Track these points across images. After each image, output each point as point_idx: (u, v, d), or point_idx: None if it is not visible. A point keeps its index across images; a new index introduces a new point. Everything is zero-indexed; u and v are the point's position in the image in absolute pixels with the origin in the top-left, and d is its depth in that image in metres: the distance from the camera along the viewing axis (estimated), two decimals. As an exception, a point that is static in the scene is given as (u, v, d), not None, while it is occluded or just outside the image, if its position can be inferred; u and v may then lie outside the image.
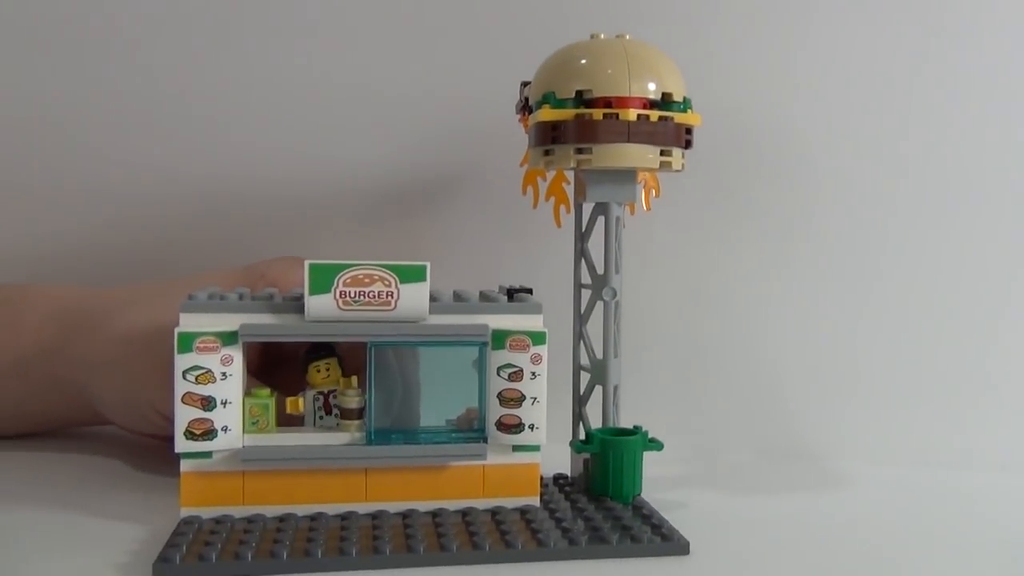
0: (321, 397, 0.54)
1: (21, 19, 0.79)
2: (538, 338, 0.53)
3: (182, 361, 0.50)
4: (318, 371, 0.55)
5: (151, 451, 0.66)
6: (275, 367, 0.63)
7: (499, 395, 0.53)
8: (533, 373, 0.53)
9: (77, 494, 0.58)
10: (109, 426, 0.69)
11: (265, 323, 0.51)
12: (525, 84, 0.61)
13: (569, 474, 0.61)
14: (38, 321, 0.66)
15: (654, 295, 0.72)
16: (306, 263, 0.50)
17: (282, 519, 0.51)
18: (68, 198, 0.79)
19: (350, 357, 0.55)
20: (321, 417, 0.54)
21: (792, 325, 0.73)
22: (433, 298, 0.53)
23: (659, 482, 0.60)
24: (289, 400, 0.53)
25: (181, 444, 0.50)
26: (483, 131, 0.74)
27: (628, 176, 0.58)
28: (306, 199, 0.78)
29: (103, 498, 0.57)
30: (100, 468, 0.64)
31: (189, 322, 0.51)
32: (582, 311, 0.62)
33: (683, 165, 0.58)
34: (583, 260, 0.61)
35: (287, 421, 0.54)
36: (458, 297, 0.54)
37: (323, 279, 0.50)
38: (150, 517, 0.53)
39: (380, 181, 0.77)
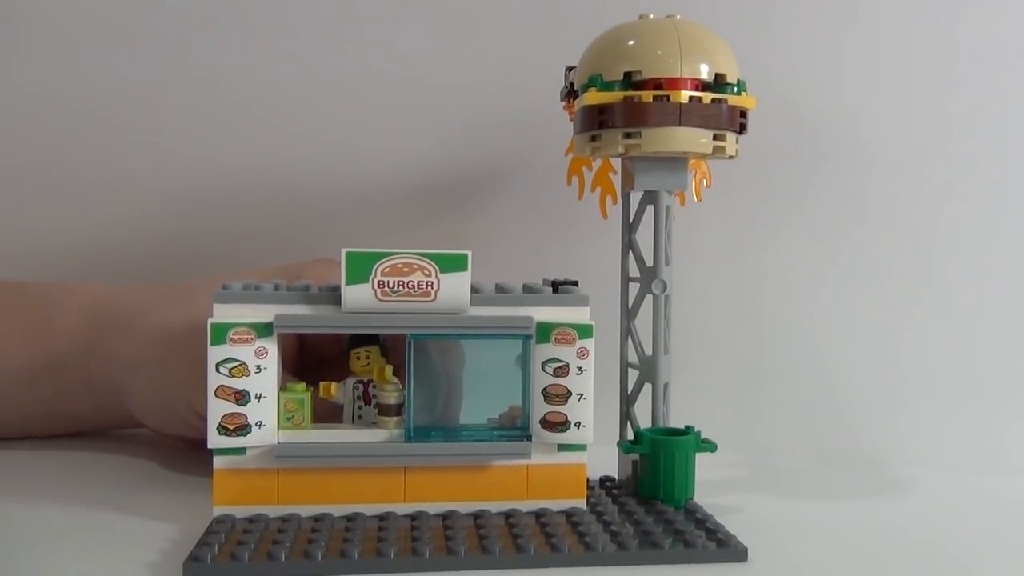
0: (361, 386, 0.52)
1: (54, 16, 0.78)
2: (585, 331, 0.51)
3: (215, 353, 0.48)
4: (358, 358, 0.52)
5: (183, 453, 0.64)
6: (314, 370, 0.61)
7: (544, 391, 0.51)
8: (580, 368, 0.51)
9: (109, 493, 0.56)
10: (141, 429, 0.67)
11: (300, 314, 0.49)
12: (570, 69, 0.58)
13: (616, 476, 0.58)
14: (72, 320, 0.65)
15: (704, 290, 0.69)
16: (343, 251, 0.48)
17: (317, 519, 0.49)
18: (100, 194, 0.78)
19: (395, 351, 0.53)
20: (360, 407, 0.52)
21: (850, 322, 0.70)
22: (475, 289, 0.50)
23: (711, 486, 0.57)
24: (322, 385, 0.51)
25: (214, 439, 0.48)
26: (527, 121, 0.72)
27: (679, 163, 0.55)
28: (345, 193, 0.76)
29: (135, 497, 0.55)
30: (132, 468, 0.62)
31: (223, 313, 0.49)
32: (630, 305, 0.59)
33: (737, 151, 0.55)
34: (631, 252, 0.58)
35: (324, 417, 0.52)
36: (500, 289, 0.52)
37: (360, 268, 0.48)
38: (182, 516, 0.51)
39: (420, 174, 0.75)
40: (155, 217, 0.78)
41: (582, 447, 0.52)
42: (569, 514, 0.51)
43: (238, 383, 0.48)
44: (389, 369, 0.52)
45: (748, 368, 0.71)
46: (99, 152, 0.79)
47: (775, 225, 0.71)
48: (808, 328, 0.70)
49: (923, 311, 0.69)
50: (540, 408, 0.51)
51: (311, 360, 0.61)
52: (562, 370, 0.51)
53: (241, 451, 0.49)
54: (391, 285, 0.49)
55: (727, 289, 0.71)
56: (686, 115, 0.52)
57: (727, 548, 0.46)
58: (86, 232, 0.78)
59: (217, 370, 0.48)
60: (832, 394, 0.69)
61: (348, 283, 0.48)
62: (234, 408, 0.48)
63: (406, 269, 0.49)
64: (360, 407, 0.53)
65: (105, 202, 0.78)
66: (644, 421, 0.57)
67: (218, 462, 0.49)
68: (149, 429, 0.65)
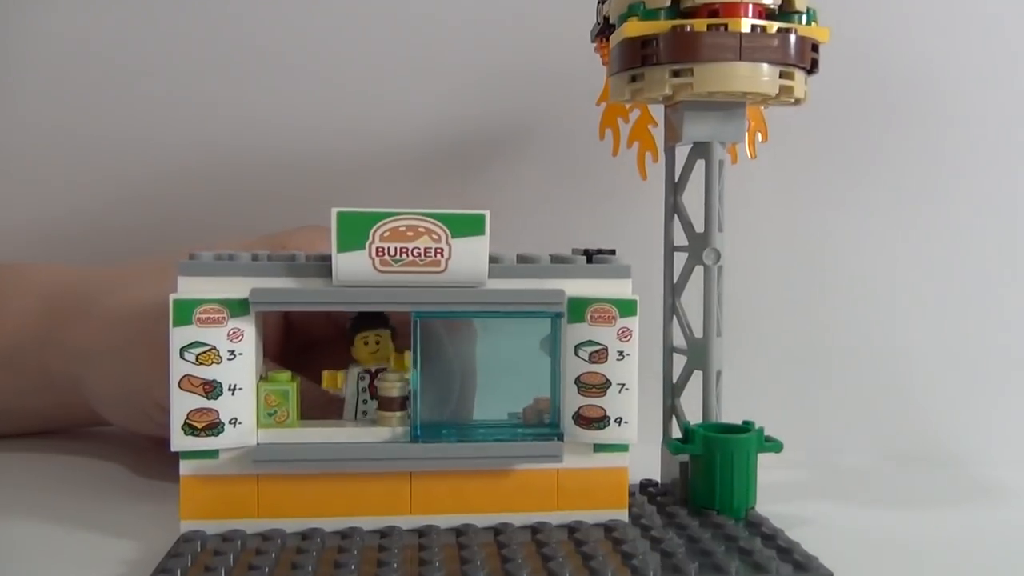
0: (368, 376, 0.45)
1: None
2: (626, 308, 0.42)
3: (179, 336, 0.40)
4: (365, 343, 0.45)
5: (154, 454, 0.56)
6: (301, 355, 0.52)
7: (577, 380, 0.42)
8: (620, 352, 0.42)
9: (64, 503, 0.49)
10: (110, 426, 0.59)
11: (282, 288, 0.41)
12: (602, 1, 0.50)
13: (659, 480, 0.50)
14: (23, 305, 0.57)
15: (756, 263, 0.60)
16: (333, 211, 0.40)
17: (305, 536, 0.41)
18: (59, 161, 0.69)
19: (400, 333, 0.45)
20: (365, 401, 0.45)
21: (926, 301, 0.61)
22: (493, 259, 0.42)
23: (770, 490, 0.48)
24: (326, 375, 0.44)
25: (179, 440, 0.40)
26: (551, 68, 0.63)
27: (736, 108, 0.47)
28: (340, 155, 0.67)
29: (94, 508, 0.48)
30: (94, 473, 0.55)
31: (189, 287, 0.41)
32: (675, 280, 0.50)
33: (805, 93, 0.46)
34: (676, 217, 0.50)
35: (316, 412, 0.44)
36: (524, 258, 0.43)
37: (355, 232, 0.40)
38: (147, 531, 0.43)
39: (428, 131, 0.66)
40: (122, 185, 0.69)
41: (623, 447, 0.43)
42: (609, 528, 0.42)
43: (207, 372, 0.40)
44: (407, 356, 0.43)
45: (806, 353, 0.62)
46: (58, 113, 0.70)
47: (839, 188, 0.62)
48: (877, 307, 0.61)
49: (1010, 290, 0.61)
50: (573, 401, 0.43)
51: (298, 343, 0.53)
52: (599, 355, 0.42)
53: (212, 454, 0.41)
54: (392, 252, 0.40)
55: (782, 262, 0.62)
56: (747, 47, 0.44)
57: (807, 572, 0.38)
58: (43, 205, 0.69)
59: (182, 356, 0.40)
60: (904, 384, 0.61)
61: (340, 250, 0.40)
62: (203, 402, 0.40)
63: (410, 233, 0.40)
64: (365, 401, 0.45)
65: (64, 170, 0.69)
66: (691, 415, 0.49)
67: (185, 468, 0.41)
68: (116, 426, 0.57)
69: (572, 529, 0.42)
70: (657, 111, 0.51)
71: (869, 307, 0.61)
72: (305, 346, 0.54)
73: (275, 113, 0.67)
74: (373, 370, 0.45)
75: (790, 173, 0.61)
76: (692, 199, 0.49)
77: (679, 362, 0.50)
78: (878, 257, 0.61)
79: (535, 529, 0.42)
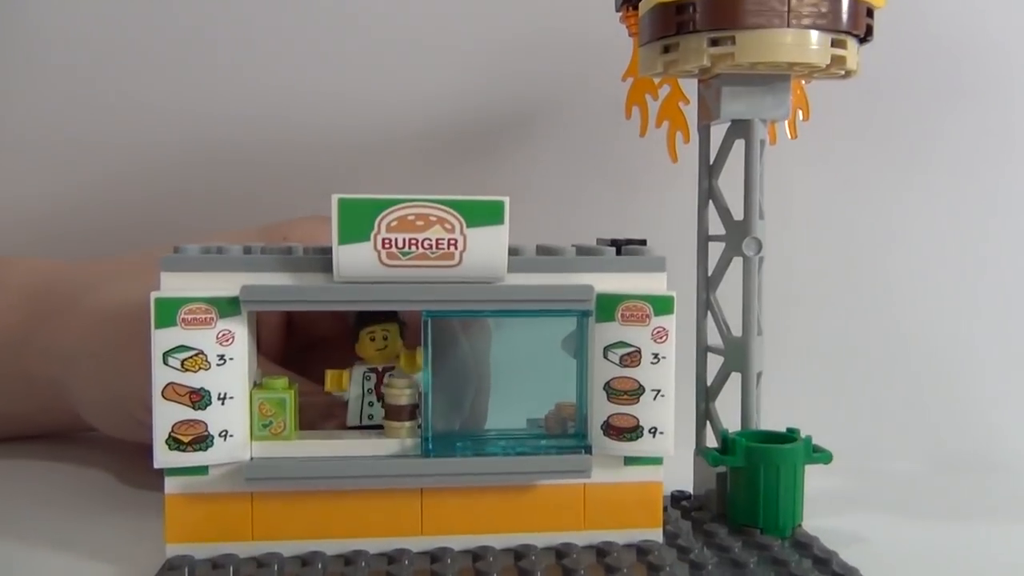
0: (374, 376, 0.41)
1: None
2: (662, 305, 0.38)
3: (163, 339, 0.36)
4: (372, 339, 0.40)
5: (143, 460, 0.51)
6: (306, 352, 0.48)
7: (607, 386, 0.38)
8: (655, 355, 0.38)
9: (42, 515, 0.45)
10: (96, 432, 0.55)
11: (277, 285, 0.36)
12: (630, -35, 0.45)
13: (692, 491, 0.45)
14: (6, 303, 0.53)
15: (795, 254, 0.56)
16: (334, 198, 0.35)
17: (305, 561, 0.37)
18: (40, 151, 0.65)
19: (411, 333, 0.40)
20: (372, 404, 0.41)
21: (983, 295, 0.56)
22: (513, 251, 0.38)
23: (815, 503, 0.44)
24: (330, 375, 0.40)
25: (163, 456, 0.36)
26: (571, 40, 0.58)
27: (779, 82, 0.42)
28: (346, 139, 0.62)
29: (76, 524, 0.44)
30: (77, 482, 0.50)
31: (173, 284, 0.36)
32: (709, 273, 0.46)
33: (858, 64, 0.42)
34: (711, 203, 0.45)
35: (321, 416, 0.41)
36: (547, 250, 0.39)
37: (359, 221, 0.36)
38: (131, 551, 0.39)
39: (440, 112, 0.62)
40: (110, 175, 0.65)
41: (657, 461, 0.39)
42: (643, 550, 0.38)
43: (194, 379, 0.36)
44: (419, 354, 0.39)
45: (848, 351, 0.58)
46: (39, 101, 0.65)
47: (888, 173, 0.58)
48: (927, 302, 0.57)
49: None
50: (602, 409, 0.38)
51: (300, 342, 0.49)
52: (632, 358, 0.38)
53: (201, 470, 0.37)
54: (400, 244, 0.36)
55: (824, 252, 0.58)
56: (795, 12, 0.39)
57: (870, 605, 0.33)
58: (25, 196, 0.65)
59: (165, 362, 0.36)
60: (957, 384, 0.56)
61: (342, 242, 0.36)
62: (189, 413, 0.36)
63: (421, 223, 0.36)
64: (372, 403, 0.41)
65: (47, 159, 0.65)
66: (727, 421, 0.45)
67: (171, 486, 0.37)
68: (101, 432, 0.53)
69: (601, 551, 0.38)
70: (689, 87, 0.47)
71: (919, 302, 0.57)
72: (308, 345, 0.49)
73: (274, 95, 0.63)
74: (380, 369, 0.41)
75: (834, 156, 0.56)
76: (727, 184, 0.45)
77: (713, 363, 0.46)
78: (930, 248, 0.57)
79: (560, 552, 0.38)
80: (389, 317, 0.40)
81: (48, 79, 0.65)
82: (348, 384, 0.40)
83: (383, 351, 0.40)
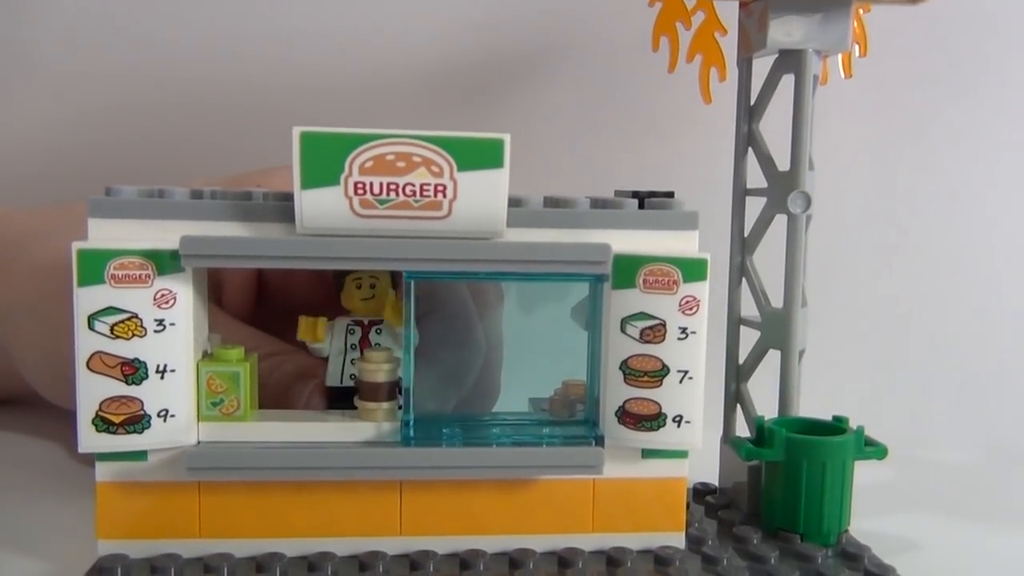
0: (358, 330, 0.36)
1: None
2: (693, 270, 0.31)
3: (88, 299, 0.30)
4: (358, 287, 0.35)
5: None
6: (285, 322, 0.42)
7: (624, 365, 0.32)
8: (683, 329, 0.31)
9: None
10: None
11: (227, 236, 0.30)
12: None
13: (717, 484, 0.40)
14: None
15: (839, 216, 0.49)
16: (295, 130, 0.29)
17: (261, 564, 0.31)
18: (6, 82, 0.58)
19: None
20: (354, 362, 0.35)
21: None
22: (514, 202, 0.31)
23: (861, 500, 0.37)
24: (303, 320, 0.35)
25: (89, 439, 0.30)
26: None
27: (839, 6, 0.35)
28: (335, 77, 0.56)
29: (8, 505, 0.38)
30: (21, 456, 0.45)
31: (103, 233, 0.30)
32: (745, 233, 0.39)
33: (933, -13, 0.35)
34: (751, 151, 0.39)
35: (298, 380, 0.35)
36: (554, 202, 0.33)
37: (327, 161, 0.29)
38: (64, 546, 0.34)
39: (439, 47, 0.55)
40: (73, 115, 0.58)
41: (682, 454, 0.33)
42: (661, 559, 0.32)
43: (126, 348, 0.30)
44: (396, 305, 0.34)
45: (894, 331, 0.51)
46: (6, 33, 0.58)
47: (954, 120, 0.50)
48: (993, 272, 0.50)
49: None
50: (617, 391, 0.32)
51: (275, 308, 0.43)
52: (655, 332, 0.31)
53: (139, 456, 0.31)
54: (377, 190, 0.30)
55: (871, 213, 0.51)
56: (865, -84, 0.32)
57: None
58: None
59: (91, 327, 0.30)
60: (1018, 364, 0.49)
61: (306, 186, 0.29)
62: (121, 388, 0.30)
63: (402, 164, 0.30)
64: (354, 360, 0.35)
65: (21, 96, 0.58)
66: (760, 406, 0.39)
67: (102, 473, 0.32)
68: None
69: (613, 559, 0.32)
70: (727, 14, 0.40)
71: (984, 271, 0.50)
72: (286, 312, 0.43)
73: (262, 32, 0.56)
74: (366, 322, 0.35)
75: (894, 100, 0.49)
76: (767, 131, 0.38)
77: (748, 337, 0.40)
78: (1000, 208, 0.50)
79: (564, 558, 0.32)
80: None
81: (18, 12, 0.58)
82: (324, 334, 0.35)
83: (369, 301, 0.35)
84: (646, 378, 0.32)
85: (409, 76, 0.55)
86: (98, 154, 0.58)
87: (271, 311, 0.44)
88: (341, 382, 0.35)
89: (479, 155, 0.30)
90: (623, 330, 0.32)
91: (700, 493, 0.40)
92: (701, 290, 0.31)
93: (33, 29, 0.58)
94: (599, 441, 0.32)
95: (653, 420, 0.32)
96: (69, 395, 0.42)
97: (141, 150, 0.57)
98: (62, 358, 0.40)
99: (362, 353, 0.34)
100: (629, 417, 0.32)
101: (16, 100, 0.58)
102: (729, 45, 0.40)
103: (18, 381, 0.47)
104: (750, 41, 0.38)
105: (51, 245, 0.42)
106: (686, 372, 0.32)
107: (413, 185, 0.30)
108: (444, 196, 0.30)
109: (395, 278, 0.35)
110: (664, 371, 0.32)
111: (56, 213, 0.46)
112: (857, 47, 0.42)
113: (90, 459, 0.43)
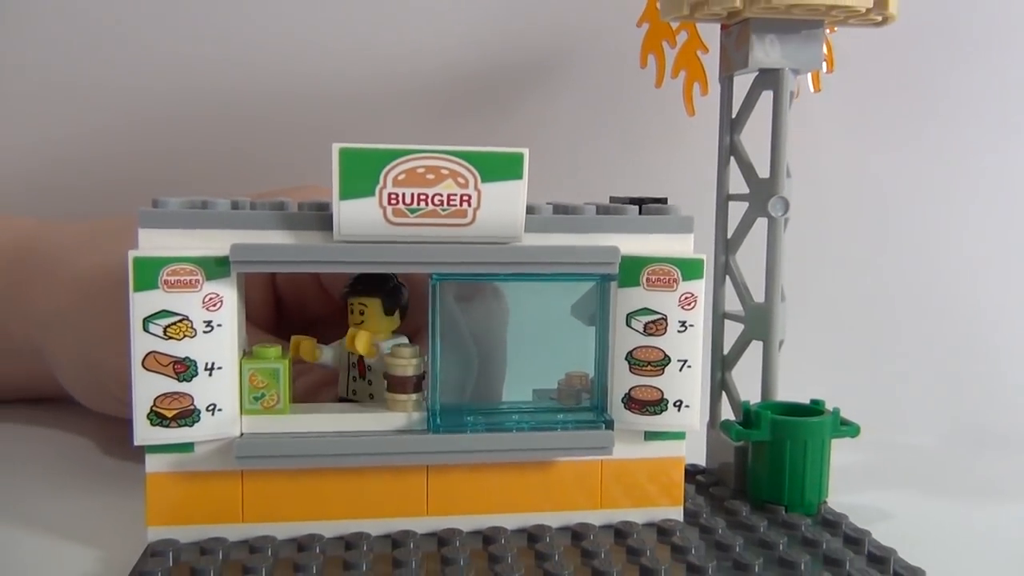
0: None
1: None
2: (690, 269, 0.35)
3: (142, 303, 0.32)
4: (351, 311, 0.38)
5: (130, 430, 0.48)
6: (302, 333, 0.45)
7: (629, 356, 0.35)
8: (683, 323, 0.35)
9: (14, 490, 0.41)
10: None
11: (272, 244, 0.33)
12: (650, -101, 0.41)
13: (705, 465, 0.43)
14: None
15: (818, 215, 0.52)
16: (335, 147, 0.32)
17: (302, 544, 0.34)
18: (31, 103, 0.59)
19: (417, 310, 0.37)
20: (355, 379, 0.38)
21: (1009, 260, 0.53)
22: (529, 209, 0.34)
23: (837, 478, 0.41)
24: (295, 340, 0.37)
25: (144, 432, 0.33)
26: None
27: (813, 28, 0.39)
28: (350, 89, 0.58)
29: (49, 498, 0.40)
30: (57, 452, 0.47)
31: (153, 242, 0.33)
32: (729, 235, 0.43)
33: (898, 11, 0.39)
34: (733, 160, 0.42)
35: (314, 391, 0.37)
36: (563, 209, 0.36)
37: (363, 174, 0.32)
38: (111, 534, 0.36)
39: (448, 63, 0.57)
40: (107, 131, 0.59)
41: (680, 435, 0.36)
42: (664, 530, 0.36)
43: (178, 348, 0.32)
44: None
45: (867, 319, 0.55)
46: (29, 51, 0.59)
47: (921, 128, 0.54)
48: (963, 268, 0.54)
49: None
50: (623, 380, 0.36)
51: (292, 322, 0.45)
52: (657, 326, 0.35)
53: (187, 447, 0.33)
54: (408, 200, 0.32)
55: (844, 212, 0.54)
56: (838, -49, 0.36)
57: (914, 589, 0.31)
58: (16, 151, 0.59)
59: (146, 329, 0.32)
60: (990, 357, 0.54)
61: (344, 197, 0.32)
62: (174, 385, 0.32)
63: (431, 176, 0.32)
64: (354, 378, 0.38)
65: (40, 111, 0.59)
66: (744, 393, 0.42)
67: (152, 464, 0.34)
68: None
69: (620, 532, 0.36)
70: (708, 35, 0.43)
71: (953, 268, 0.54)
72: (302, 326, 0.46)
73: (276, 45, 0.58)
74: None
75: (857, 109, 0.53)
76: (752, 138, 0.42)
77: (731, 331, 0.43)
78: (968, 210, 0.53)
79: (577, 532, 0.35)
80: (370, 291, 0.37)
81: (41, 38, 0.59)
82: (318, 354, 0.37)
83: (359, 326, 0.37)
84: (649, 367, 0.35)
85: (417, 90, 0.57)
86: (129, 165, 0.59)
87: (289, 325, 0.46)
88: (346, 395, 0.38)
89: (501, 168, 0.33)
90: (628, 324, 0.35)
91: (690, 473, 0.43)
92: (698, 287, 0.35)
93: (60, 43, 0.59)
94: (609, 425, 0.36)
95: (656, 405, 0.35)
96: (104, 401, 0.45)
97: (160, 162, 0.58)
98: (99, 368, 0.43)
99: (362, 373, 0.37)
100: (634, 403, 0.36)
101: (49, 113, 0.59)
102: (711, 62, 0.44)
103: (54, 384, 0.48)
104: (730, 61, 0.41)
105: (89, 259, 0.44)
106: (685, 361, 0.35)
107: (441, 195, 0.33)
108: (469, 205, 0.33)
109: (387, 304, 0.37)
110: (666, 360, 0.35)
111: (98, 227, 0.48)
112: (825, 64, 0.46)
113: (125, 453, 0.46)
